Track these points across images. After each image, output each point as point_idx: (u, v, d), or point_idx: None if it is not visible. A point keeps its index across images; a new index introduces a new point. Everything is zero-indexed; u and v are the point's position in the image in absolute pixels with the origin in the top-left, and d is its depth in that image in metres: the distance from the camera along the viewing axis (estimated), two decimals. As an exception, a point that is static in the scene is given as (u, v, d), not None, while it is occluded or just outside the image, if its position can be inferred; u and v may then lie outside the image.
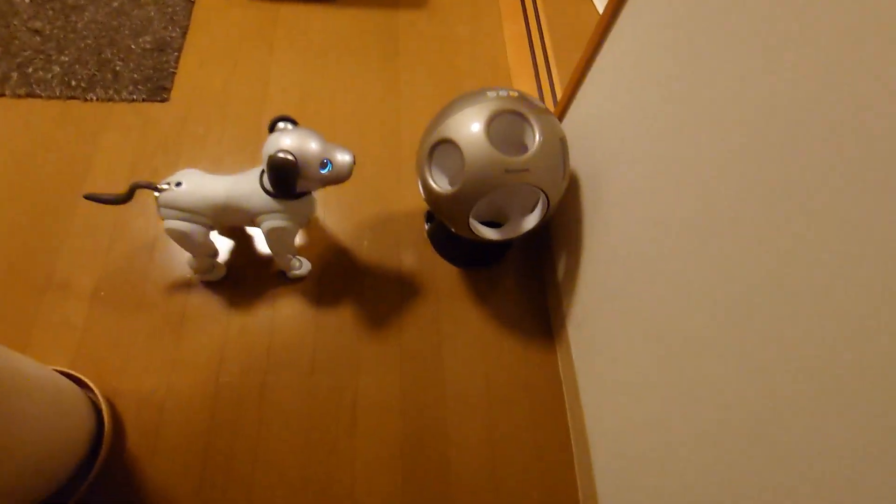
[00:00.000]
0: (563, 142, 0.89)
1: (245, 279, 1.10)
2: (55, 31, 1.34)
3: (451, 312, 1.13)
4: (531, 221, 0.94)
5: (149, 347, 1.00)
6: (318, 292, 1.11)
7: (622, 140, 0.84)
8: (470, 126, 0.82)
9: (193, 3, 1.48)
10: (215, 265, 1.06)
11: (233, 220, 0.94)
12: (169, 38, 1.38)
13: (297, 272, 1.09)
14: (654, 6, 0.74)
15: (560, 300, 1.10)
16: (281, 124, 0.84)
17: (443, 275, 1.17)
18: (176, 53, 1.36)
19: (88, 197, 0.88)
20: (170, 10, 1.44)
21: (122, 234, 1.10)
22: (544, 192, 0.87)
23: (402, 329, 1.09)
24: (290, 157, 0.78)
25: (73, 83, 1.26)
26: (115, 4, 1.42)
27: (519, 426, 1.02)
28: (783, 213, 0.51)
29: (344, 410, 0.99)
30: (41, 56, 1.29)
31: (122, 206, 1.12)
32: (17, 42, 1.30)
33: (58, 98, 1.25)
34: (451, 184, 0.86)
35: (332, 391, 1.01)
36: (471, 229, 0.92)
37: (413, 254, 1.19)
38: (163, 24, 1.41)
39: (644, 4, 0.77)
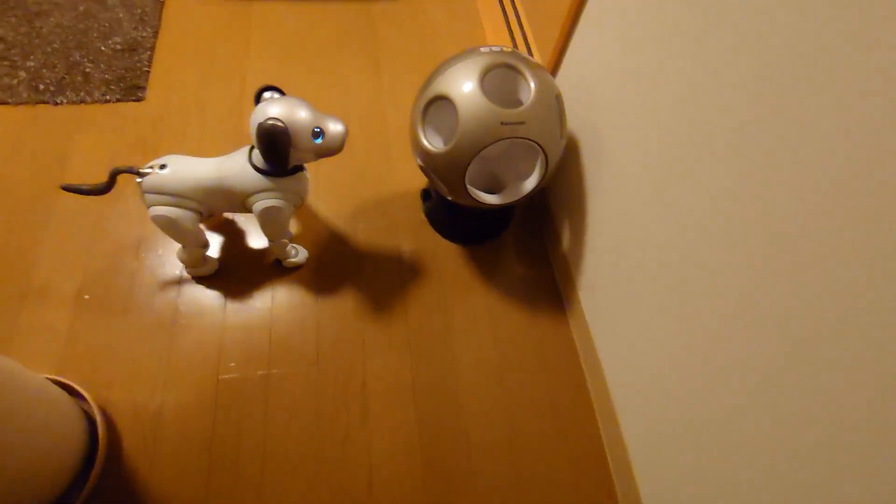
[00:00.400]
0: (558, 99, 0.87)
1: (239, 272, 1.05)
2: (19, 37, 1.28)
3: (457, 290, 1.09)
4: (530, 183, 0.92)
5: (140, 350, 0.94)
6: (317, 280, 1.06)
7: (620, 96, 0.82)
8: (463, 80, 0.79)
9: (163, 3, 1.44)
10: (207, 259, 1.01)
11: (222, 205, 0.89)
12: (140, 38, 1.34)
13: (294, 260, 1.04)
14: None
15: (567, 267, 1.07)
16: (267, 94, 0.80)
17: (444, 253, 1.14)
18: (148, 53, 1.32)
19: (66, 188, 0.82)
20: (138, 11, 1.39)
21: (104, 234, 1.05)
22: (542, 148, 0.84)
23: (407, 310, 1.05)
24: (280, 124, 0.74)
25: (42, 87, 1.21)
26: (81, 8, 1.37)
27: (538, 398, 0.98)
28: (800, 162, 0.49)
29: (354, 397, 0.94)
30: (5, 62, 1.23)
31: (101, 204, 1.08)
32: (-22, 50, 1.24)
33: (26, 103, 1.19)
34: (445, 143, 0.83)
35: (340, 378, 0.96)
36: (469, 194, 0.89)
37: (411, 234, 1.15)
38: (132, 24, 1.36)
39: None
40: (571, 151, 1.00)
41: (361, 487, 0.86)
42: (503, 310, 1.08)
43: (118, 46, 1.31)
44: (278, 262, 1.06)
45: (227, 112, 1.27)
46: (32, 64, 1.24)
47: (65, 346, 0.92)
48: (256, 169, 0.84)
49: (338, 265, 1.09)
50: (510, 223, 1.20)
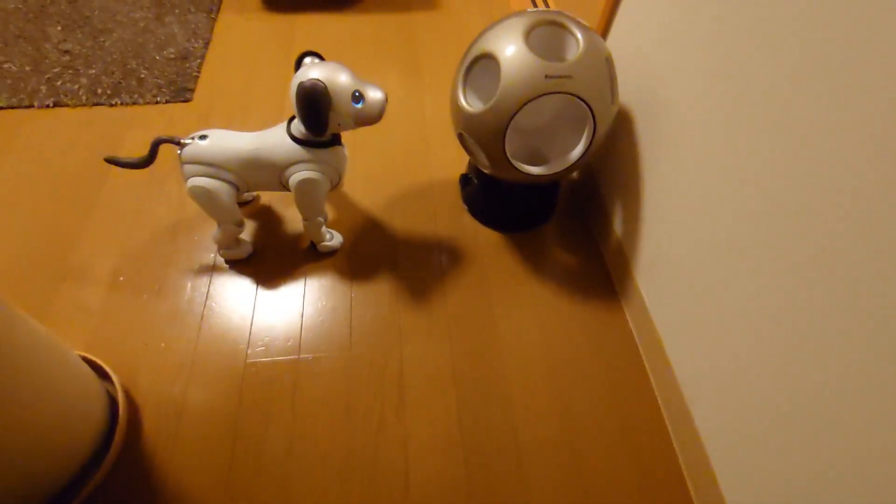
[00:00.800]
0: (608, 60, 0.82)
1: (272, 258, 1.02)
2: (84, 50, 1.37)
3: (499, 277, 1.02)
4: (577, 151, 0.85)
5: (170, 332, 0.90)
6: (351, 265, 1.02)
7: (676, 63, 0.76)
8: (507, 37, 0.76)
9: (215, 19, 1.53)
10: (241, 241, 0.98)
11: (259, 179, 0.87)
12: (192, 49, 1.41)
13: (329, 244, 1.00)
14: None
15: (621, 251, 0.98)
16: (308, 59, 0.79)
17: (484, 240, 1.07)
18: (199, 61, 1.38)
19: (109, 160, 0.83)
20: (192, 25, 1.48)
21: (143, 219, 1.05)
22: (590, 108, 0.78)
23: (445, 296, 0.98)
24: (320, 84, 0.73)
25: (99, 91, 1.27)
26: (141, 24, 1.47)
27: (594, 393, 0.87)
28: (888, 126, 0.42)
29: (389, 384, 0.86)
30: (69, 71, 1.31)
31: (143, 190, 1.09)
32: (47, 61, 1.33)
33: (84, 105, 1.25)
34: (486, 104, 0.79)
35: (375, 365, 0.88)
36: (510, 162, 0.83)
37: (449, 221, 1.10)
38: (186, 37, 1.44)
39: None
40: (623, 126, 0.94)
41: (397, 486, 0.76)
42: (550, 298, 0.99)
43: (171, 55, 1.38)
44: (313, 246, 1.02)
45: (270, 111, 1.29)
46: (93, 72, 1.32)
47: (96, 325, 0.90)
48: (294, 139, 0.82)
49: (373, 251, 1.04)
50: (554, 210, 1.13)
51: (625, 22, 0.92)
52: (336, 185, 0.91)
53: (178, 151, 0.82)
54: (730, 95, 0.65)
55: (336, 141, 0.85)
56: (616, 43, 0.95)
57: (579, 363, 0.91)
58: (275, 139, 0.84)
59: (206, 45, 1.44)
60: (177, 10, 1.53)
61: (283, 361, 0.88)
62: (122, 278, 0.96)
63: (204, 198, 0.84)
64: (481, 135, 0.82)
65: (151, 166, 0.84)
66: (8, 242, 0.99)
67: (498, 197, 1.06)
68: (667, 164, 0.81)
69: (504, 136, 0.79)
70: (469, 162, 1.09)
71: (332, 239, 1.01)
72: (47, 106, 1.24)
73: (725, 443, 0.70)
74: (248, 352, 0.89)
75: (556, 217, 1.12)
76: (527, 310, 0.97)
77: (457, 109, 0.84)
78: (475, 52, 0.80)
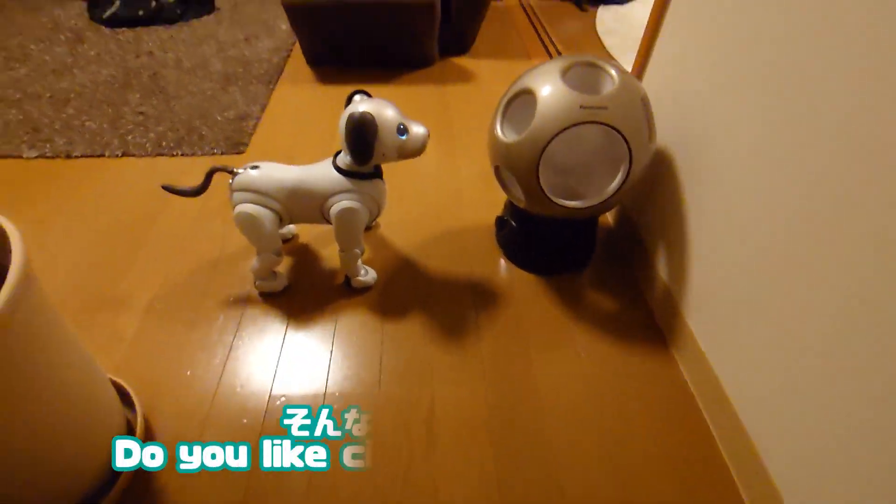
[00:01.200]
0: (644, 100, 0.85)
1: (306, 292, 1.01)
2: (156, 112, 1.54)
3: (535, 320, 0.97)
4: (614, 185, 0.85)
5: (197, 361, 0.88)
6: (384, 303, 1.00)
7: (713, 104, 0.78)
8: (545, 75, 0.80)
9: (273, 89, 1.70)
10: (277, 274, 0.99)
11: (303, 210, 0.90)
12: (249, 112, 1.55)
13: (363, 279, 1.00)
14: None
15: (668, 293, 0.92)
16: (357, 97, 0.85)
17: (520, 283, 1.04)
18: (254, 121, 1.52)
19: (166, 187, 0.88)
20: (252, 94, 1.65)
21: (187, 255, 1.08)
22: (625, 138, 0.79)
23: (480, 337, 0.93)
24: (369, 115, 0.77)
25: (164, 144, 1.40)
26: (209, 93, 1.64)
27: (645, 446, 0.77)
28: None
29: (417, 425, 0.79)
30: (141, 128, 1.46)
31: (190, 228, 1.13)
32: (122, 121, 1.49)
33: (148, 155, 1.37)
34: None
35: (404, 403, 0.82)
36: (543, 192, 0.83)
37: (484, 263, 1.09)
38: (246, 103, 1.60)
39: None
40: (662, 168, 0.94)
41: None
42: (591, 344, 0.93)
43: (231, 117, 1.52)
44: (347, 283, 1.01)
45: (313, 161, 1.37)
46: (161, 128, 1.46)
47: (128, 349, 0.89)
48: (339, 170, 0.86)
49: (406, 290, 1.02)
50: (592, 254, 1.10)
51: (659, 65, 0.96)
52: (375, 217, 0.92)
53: (230, 180, 0.87)
54: (771, 131, 0.65)
55: (377, 174, 0.88)
56: (652, 85, 0.98)
57: (628, 414, 0.82)
58: (320, 170, 0.88)
59: (263, 109, 1.59)
60: (240, 82, 1.71)
61: (309, 396, 0.83)
62: (158, 306, 0.97)
63: (249, 224, 0.87)
64: (516, 165, 0.84)
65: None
66: (62, 269, 1.03)
67: (534, 238, 1.05)
68: (711, 202, 0.79)
69: (538, 165, 0.81)
70: (505, 204, 1.10)
71: (367, 275, 1.01)
72: (116, 155, 1.36)
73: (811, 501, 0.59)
74: (274, 385, 0.85)
75: (593, 262, 1.09)
76: (567, 356, 0.91)
77: (494, 142, 0.87)
78: (514, 89, 0.84)
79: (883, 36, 0.49)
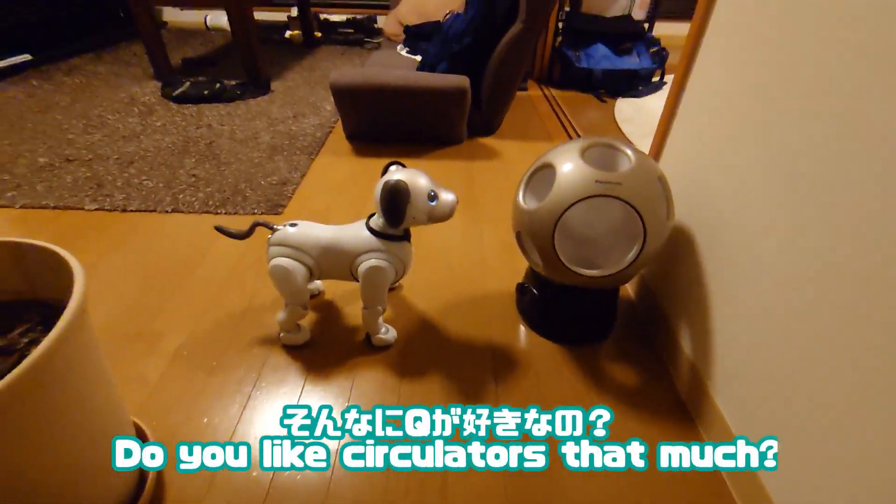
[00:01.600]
0: (661, 180, 0.89)
1: (327, 347, 1.03)
2: (207, 175, 1.68)
3: (556, 390, 0.95)
4: (630, 256, 0.88)
5: (214, 408, 0.88)
6: (403, 364, 1.00)
7: (729, 185, 0.83)
8: (566, 153, 0.87)
9: (314, 159, 1.85)
10: (301, 328, 1.02)
11: (333, 266, 0.95)
12: (290, 178, 1.69)
13: (383, 337, 1.01)
14: (738, 26, 0.84)
15: (694, 369, 0.90)
16: (393, 167, 0.93)
17: (540, 352, 1.04)
18: (294, 186, 1.64)
19: (218, 228, 0.95)
20: (295, 163, 1.80)
21: (218, 305, 1.12)
22: (638, 213, 0.83)
23: (498, 404, 0.91)
24: (403, 182, 0.85)
25: (210, 203, 1.51)
26: (256, 161, 1.80)
27: (676, 536, 0.71)
28: None
29: (431, 497, 0.76)
30: (192, 188, 1.59)
31: (222, 280, 1.19)
32: (176, 181, 1.64)
33: (195, 213, 1.48)
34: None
35: (417, 475, 0.79)
36: (559, 259, 0.86)
37: (504, 330, 1.09)
38: (288, 170, 1.74)
39: (727, 23, 0.87)
40: (683, 246, 0.97)
41: None
42: (614, 420, 0.89)
43: (273, 182, 1.65)
44: (368, 340, 1.03)
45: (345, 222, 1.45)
46: (210, 189, 1.59)
47: (149, 392, 0.90)
48: (371, 231, 0.92)
49: (426, 352, 1.03)
50: (613, 326, 1.09)
51: (675, 147, 1.02)
52: (400, 277, 0.96)
53: (269, 235, 0.93)
54: (788, 212, 0.68)
55: (406, 237, 0.94)
56: (668, 167, 1.03)
57: (654, 498, 0.77)
58: (354, 230, 0.94)
59: (303, 176, 1.72)
60: (285, 153, 1.88)
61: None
62: (185, 353, 1.00)
63: (282, 276, 0.91)
64: (535, 231, 0.88)
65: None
66: (101, 309, 1.09)
67: (555, 307, 1.06)
68: (733, 280, 0.80)
69: (554, 232, 0.85)
70: (526, 271, 1.12)
71: (388, 333, 1.02)
72: (167, 211, 1.48)
73: None
74: (286, 439, 0.84)
75: (614, 334, 1.09)
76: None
77: (516, 209, 0.92)
78: (537, 164, 0.91)
79: None
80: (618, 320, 1.11)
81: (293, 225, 0.94)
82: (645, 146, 1.14)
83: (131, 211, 1.47)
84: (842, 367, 0.58)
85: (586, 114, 2.47)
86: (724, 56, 0.85)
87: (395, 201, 0.85)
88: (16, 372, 0.47)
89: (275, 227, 0.94)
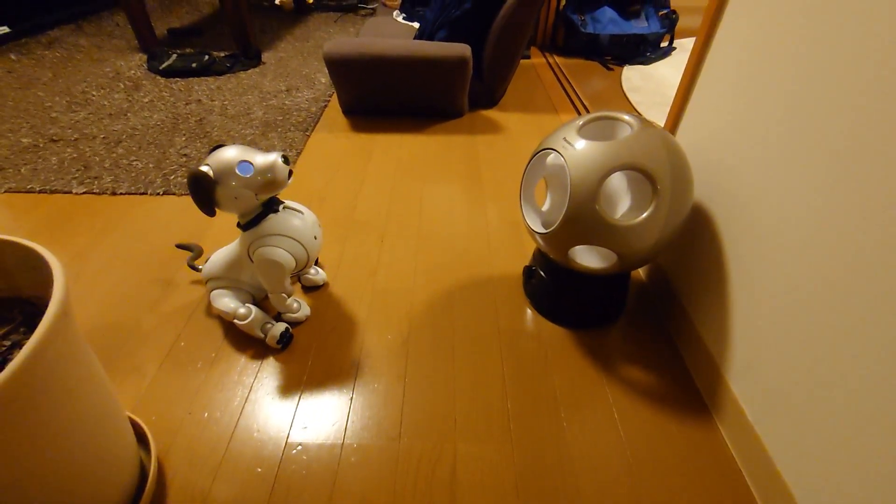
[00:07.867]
0: (671, 145, 0.81)
1: (330, 336, 1.00)
2: (199, 154, 1.62)
3: (564, 374, 0.92)
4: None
5: (215, 401, 0.86)
6: (408, 350, 0.97)
7: (751, 158, 0.78)
8: (565, 129, 0.81)
9: (309, 136, 1.78)
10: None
11: (250, 276, 0.96)
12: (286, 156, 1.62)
13: (294, 315, 1.00)
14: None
15: (709, 355, 0.87)
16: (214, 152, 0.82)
17: (548, 336, 1.01)
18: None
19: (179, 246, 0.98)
20: (290, 140, 1.73)
21: (215, 292, 1.09)
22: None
23: (505, 392, 0.89)
24: (200, 170, 0.77)
25: (203, 184, 1.45)
26: (249, 138, 1.73)
27: (691, 526, 0.70)
28: None
29: (440, 486, 0.74)
30: (183, 168, 1.53)
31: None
32: (167, 161, 1.57)
33: (187, 195, 1.42)
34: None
35: (424, 461, 0.77)
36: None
37: (511, 314, 1.06)
38: (283, 148, 1.67)
39: None
40: (700, 225, 0.92)
41: None
42: (626, 405, 0.87)
43: (268, 160, 1.59)
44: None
45: (343, 203, 1.40)
46: (202, 169, 1.53)
47: (148, 386, 0.88)
48: (239, 227, 0.88)
49: (430, 340, 1.00)
50: (624, 309, 1.06)
51: (694, 120, 0.95)
52: (308, 249, 0.88)
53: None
54: (818, 187, 0.63)
55: (267, 210, 0.85)
56: (687, 142, 0.97)
57: (671, 488, 0.75)
58: (236, 241, 0.94)
59: (299, 154, 1.65)
60: (279, 129, 1.80)
61: (326, 446, 0.79)
62: (182, 344, 0.96)
63: (232, 311, 0.95)
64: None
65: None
66: (94, 300, 1.05)
67: (563, 289, 1.02)
68: (755, 262, 0.76)
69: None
70: (533, 253, 1.08)
71: (299, 310, 1.01)
72: (157, 194, 1.42)
73: None
74: (290, 431, 0.82)
75: (624, 317, 1.05)
76: (600, 417, 0.85)
77: (528, 228, 0.87)
78: (539, 147, 0.85)
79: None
80: (629, 303, 1.08)
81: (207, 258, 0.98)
82: (653, 116, 1.08)
83: (121, 194, 1.42)
84: (872, 359, 0.54)
85: (592, 83, 2.37)
86: (751, 20, 0.78)
87: (196, 191, 0.77)
88: (-6, 383, 0.43)
89: (199, 268, 1.00)
